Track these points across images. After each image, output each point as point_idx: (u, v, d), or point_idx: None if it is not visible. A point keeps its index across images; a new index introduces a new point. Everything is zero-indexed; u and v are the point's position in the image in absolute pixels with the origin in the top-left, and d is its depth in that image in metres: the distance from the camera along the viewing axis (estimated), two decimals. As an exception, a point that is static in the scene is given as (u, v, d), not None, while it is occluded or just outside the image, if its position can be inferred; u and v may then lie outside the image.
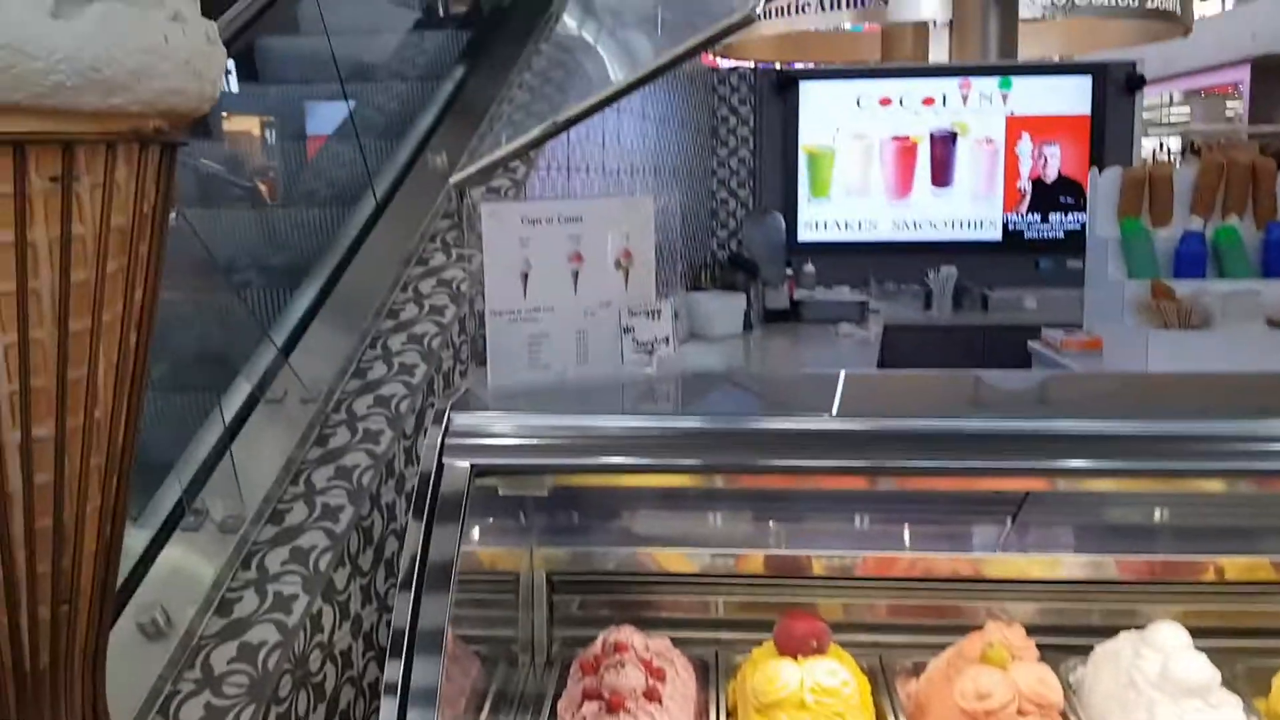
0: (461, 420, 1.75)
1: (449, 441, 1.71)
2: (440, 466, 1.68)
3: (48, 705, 1.06)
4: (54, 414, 0.99)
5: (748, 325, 6.11)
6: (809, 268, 7.15)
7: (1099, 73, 7.32)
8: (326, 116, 3.49)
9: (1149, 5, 9.19)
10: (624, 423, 1.80)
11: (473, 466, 1.69)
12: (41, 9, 0.88)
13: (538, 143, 2.44)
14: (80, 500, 1.03)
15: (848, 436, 1.73)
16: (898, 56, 9.80)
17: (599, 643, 1.88)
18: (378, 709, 1.90)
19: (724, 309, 5.94)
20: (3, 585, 1.01)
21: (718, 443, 1.75)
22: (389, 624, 1.98)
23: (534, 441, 1.76)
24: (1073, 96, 7.31)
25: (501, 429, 1.77)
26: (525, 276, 1.90)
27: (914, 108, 7.38)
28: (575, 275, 1.93)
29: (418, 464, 2.11)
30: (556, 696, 1.89)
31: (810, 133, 7.46)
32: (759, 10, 2.00)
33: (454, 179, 2.42)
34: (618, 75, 3.12)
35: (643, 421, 1.81)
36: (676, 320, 2.00)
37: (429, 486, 1.66)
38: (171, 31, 0.95)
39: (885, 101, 7.40)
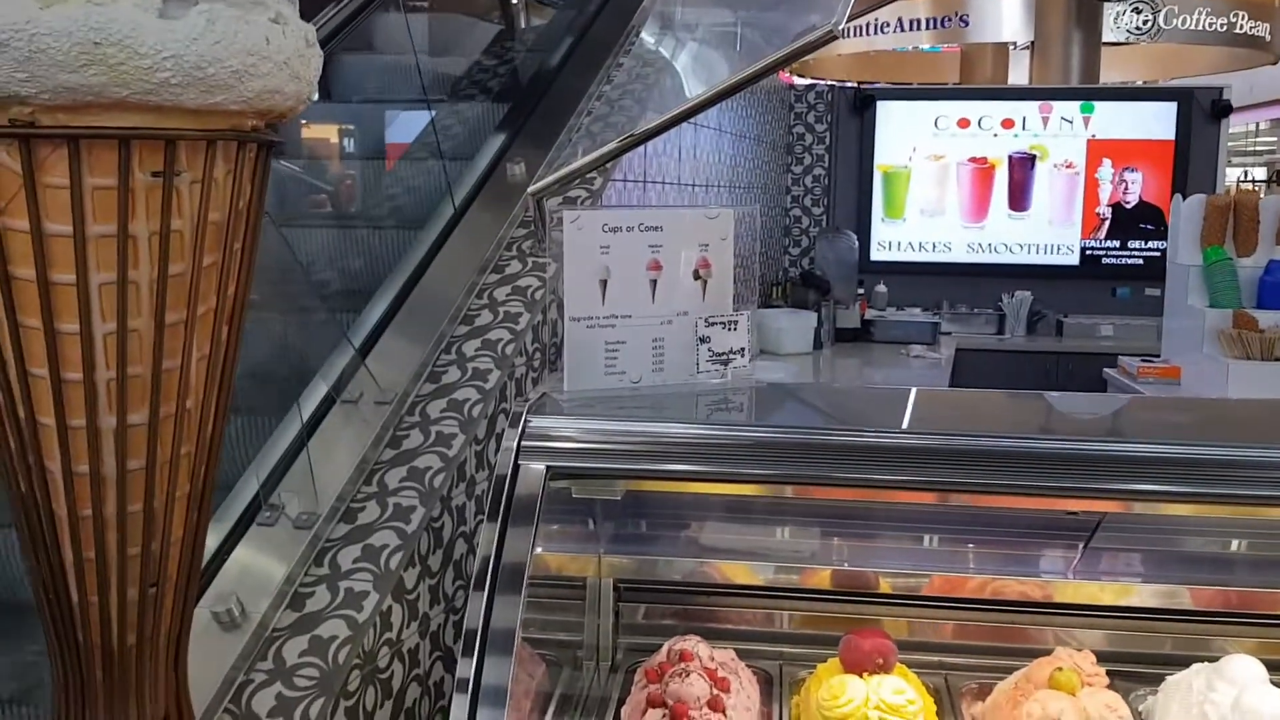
0: (538, 423, 1.77)
1: (525, 444, 1.74)
2: (516, 468, 1.70)
3: (133, 685, 1.09)
4: (148, 402, 1.02)
5: (818, 344, 6.09)
6: (881, 288, 7.12)
7: (1184, 98, 7.21)
8: (405, 127, 3.55)
9: (1237, 31, 9.04)
10: (697, 430, 1.81)
11: (548, 469, 1.72)
12: (150, 9, 0.92)
13: (615, 155, 2.46)
14: (170, 486, 1.06)
15: (921, 452, 1.72)
16: (977, 78, 9.74)
17: (664, 651, 1.89)
18: (442, 708, 1.94)
19: (794, 326, 5.93)
20: (95, 565, 1.04)
21: (788, 454, 1.76)
22: (456, 625, 2.01)
23: (608, 446, 1.78)
24: (1156, 122, 7.21)
25: (577, 433, 1.79)
26: (604, 283, 1.91)
27: (993, 130, 7.32)
28: (654, 284, 1.95)
29: (489, 468, 2.14)
30: (620, 703, 1.90)
31: (886, 152, 7.43)
32: (840, 28, 2.00)
33: (532, 189, 2.44)
34: (695, 90, 3.13)
35: (716, 430, 1.82)
36: (751, 333, 2.01)
37: (505, 487, 1.68)
38: (273, 33, 0.99)
39: (964, 123, 7.35)
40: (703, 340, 1.98)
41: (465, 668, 1.54)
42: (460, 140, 3.24)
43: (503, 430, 2.09)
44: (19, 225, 0.94)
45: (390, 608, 1.76)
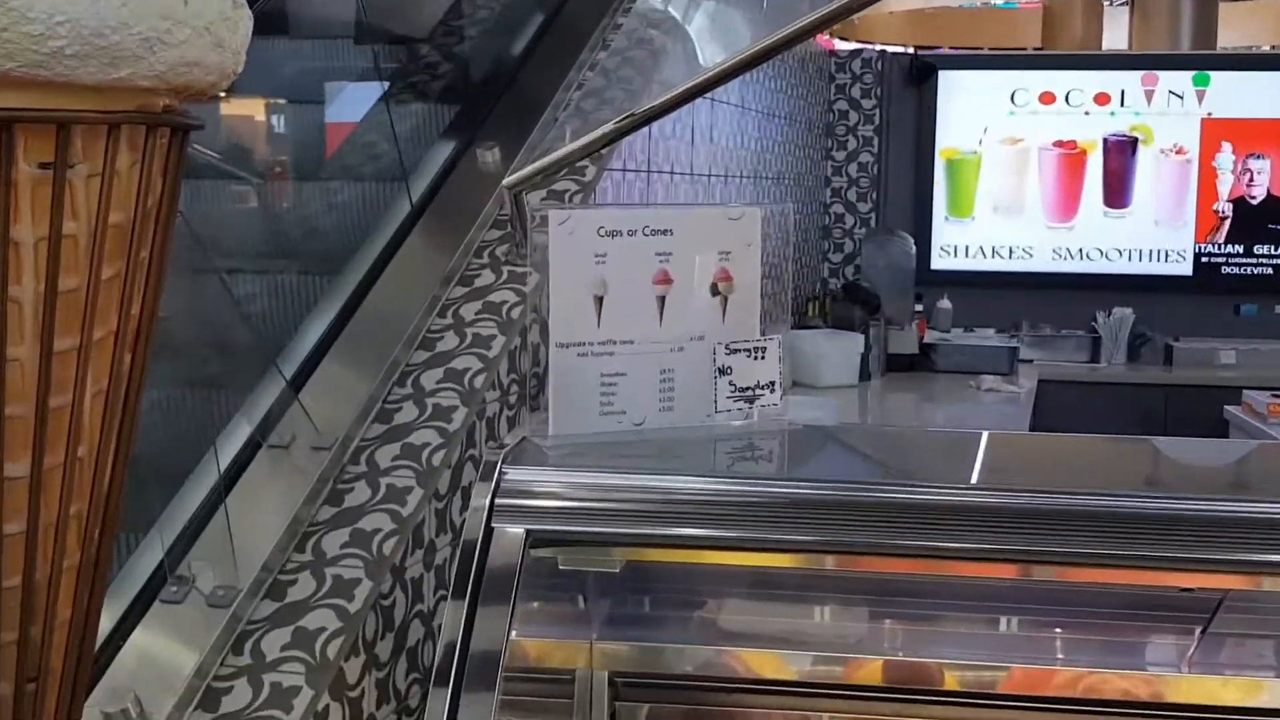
0: (516, 476, 1.78)
1: (499, 502, 1.74)
2: (489, 532, 1.71)
3: (7, 807, 1.09)
4: (30, 450, 1.02)
5: (865, 374, 6.10)
6: (944, 304, 7.13)
7: (1323, 67, 7.25)
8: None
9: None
10: (715, 485, 1.82)
11: (528, 533, 1.72)
12: (42, -36, 0.92)
13: (612, 138, 2.48)
14: (56, 556, 1.06)
15: (995, 512, 1.73)
16: (1064, 43, 9.78)
17: (672, 763, 1.89)
18: (394, 836, 1.93)
19: (836, 352, 5.94)
20: (-40, 656, 1.04)
21: (829, 515, 1.76)
22: (409, 730, 2.01)
23: (604, 505, 1.79)
24: (1288, 97, 7.25)
25: (565, 488, 1.80)
26: (600, 301, 1.93)
27: (1084, 106, 7.36)
28: (661, 301, 1.96)
29: (453, 532, 2.14)
30: (617, 828, 1.90)
31: (951, 135, 7.46)
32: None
33: (508, 181, 2.45)
34: (712, 59, 3.15)
35: (738, 485, 1.83)
36: (783, 362, 2.02)
37: (474, 556, 1.69)
38: (191, -8, 1.00)
39: (1047, 98, 7.38)
40: (722, 371, 1.99)
41: (424, 787, 1.55)
42: (419, 119, 3.25)
43: (471, 484, 2.09)
44: None
45: (328, 707, 1.76)
